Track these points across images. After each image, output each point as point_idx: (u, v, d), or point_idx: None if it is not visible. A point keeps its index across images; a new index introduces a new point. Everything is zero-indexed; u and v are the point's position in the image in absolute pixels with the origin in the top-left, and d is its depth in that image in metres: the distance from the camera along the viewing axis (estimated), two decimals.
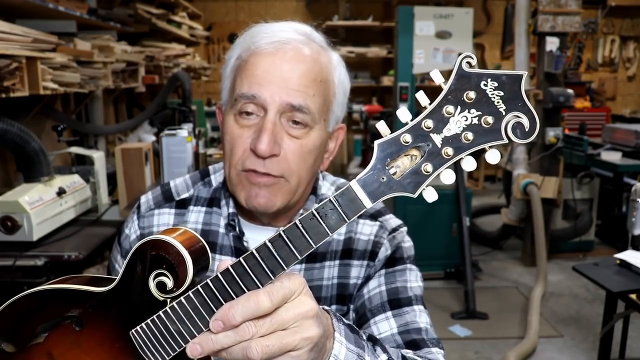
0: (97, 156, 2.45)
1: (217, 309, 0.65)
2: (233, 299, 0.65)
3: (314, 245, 0.63)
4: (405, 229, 1.02)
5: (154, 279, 0.69)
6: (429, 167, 0.61)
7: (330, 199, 0.63)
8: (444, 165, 0.61)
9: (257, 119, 0.85)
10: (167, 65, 4.25)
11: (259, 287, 0.64)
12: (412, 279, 0.98)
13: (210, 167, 1.05)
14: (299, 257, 0.64)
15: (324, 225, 0.63)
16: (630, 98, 8.04)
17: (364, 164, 6.61)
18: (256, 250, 0.64)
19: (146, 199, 1.02)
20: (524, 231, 4.53)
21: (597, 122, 6.05)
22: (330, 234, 0.63)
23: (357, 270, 0.97)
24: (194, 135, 2.68)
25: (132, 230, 1.01)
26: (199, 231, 0.98)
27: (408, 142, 0.61)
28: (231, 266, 0.65)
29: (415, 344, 0.90)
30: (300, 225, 0.63)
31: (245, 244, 0.95)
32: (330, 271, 0.97)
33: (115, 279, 0.73)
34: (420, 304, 0.96)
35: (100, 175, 2.45)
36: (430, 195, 0.63)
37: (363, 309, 0.96)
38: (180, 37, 4.97)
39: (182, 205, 1.01)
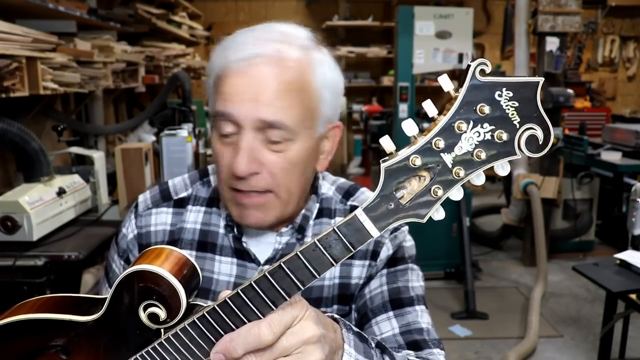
0: (97, 156, 2.45)
1: (216, 339, 0.64)
2: (233, 329, 0.63)
3: (317, 276, 0.61)
4: (406, 228, 1.01)
5: (144, 310, 0.67)
6: (439, 190, 0.58)
7: (334, 229, 0.59)
8: (454, 187, 0.58)
9: (236, 137, 0.83)
10: (167, 65, 4.25)
11: (259, 318, 0.62)
12: (414, 279, 0.98)
13: (209, 167, 1.04)
14: (302, 288, 0.61)
15: (327, 256, 0.60)
16: (630, 98, 8.04)
17: (364, 164, 6.61)
18: (255, 282, 0.61)
19: (144, 198, 1.02)
20: (524, 231, 4.53)
21: (597, 122, 6.06)
22: (335, 264, 0.60)
23: (358, 270, 0.96)
24: (194, 135, 2.68)
25: (129, 229, 1.00)
26: (198, 231, 0.97)
27: (417, 165, 0.57)
28: (229, 298, 0.63)
29: (416, 345, 0.90)
30: (302, 257, 0.60)
31: (244, 244, 0.94)
32: (331, 271, 0.96)
33: (101, 303, 0.71)
34: (422, 304, 0.95)
35: (100, 175, 2.44)
36: (439, 214, 0.60)
37: (365, 309, 0.95)
38: (180, 37, 4.96)
39: (180, 204, 1.00)
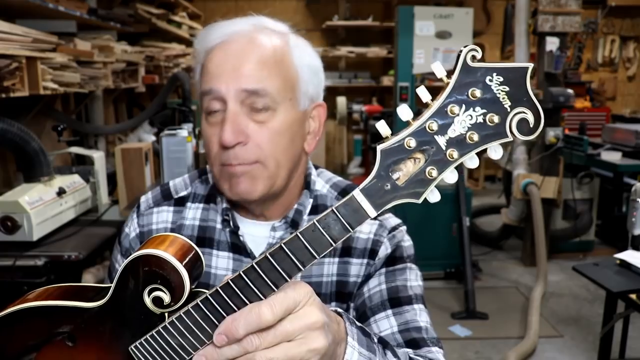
0: (97, 156, 2.45)
1: (219, 322, 0.65)
2: (235, 311, 0.64)
3: (317, 257, 0.62)
4: (404, 227, 1.02)
5: (149, 294, 0.68)
6: (433, 171, 0.60)
7: (333, 209, 0.61)
8: (449, 168, 0.60)
9: (222, 115, 0.86)
10: (167, 65, 4.25)
11: (261, 299, 0.63)
12: (412, 278, 0.98)
13: (208, 165, 1.06)
14: (302, 269, 0.62)
15: (327, 236, 0.62)
16: (630, 98, 8.04)
17: (364, 164, 6.61)
18: (257, 263, 0.63)
19: (146, 199, 1.04)
20: (524, 231, 4.53)
21: (597, 122, 6.06)
22: (334, 245, 0.62)
23: (356, 268, 0.97)
24: (194, 135, 2.67)
25: (131, 228, 1.02)
26: (196, 227, 0.99)
27: (412, 147, 0.59)
28: (231, 280, 0.64)
29: (415, 343, 0.90)
30: (302, 237, 0.62)
31: (241, 238, 0.96)
32: (329, 268, 0.97)
33: (106, 290, 0.71)
34: (420, 303, 0.96)
35: (100, 175, 2.45)
36: (434, 196, 0.62)
37: (363, 307, 0.96)
38: (180, 37, 4.97)
39: (181, 202, 1.02)
